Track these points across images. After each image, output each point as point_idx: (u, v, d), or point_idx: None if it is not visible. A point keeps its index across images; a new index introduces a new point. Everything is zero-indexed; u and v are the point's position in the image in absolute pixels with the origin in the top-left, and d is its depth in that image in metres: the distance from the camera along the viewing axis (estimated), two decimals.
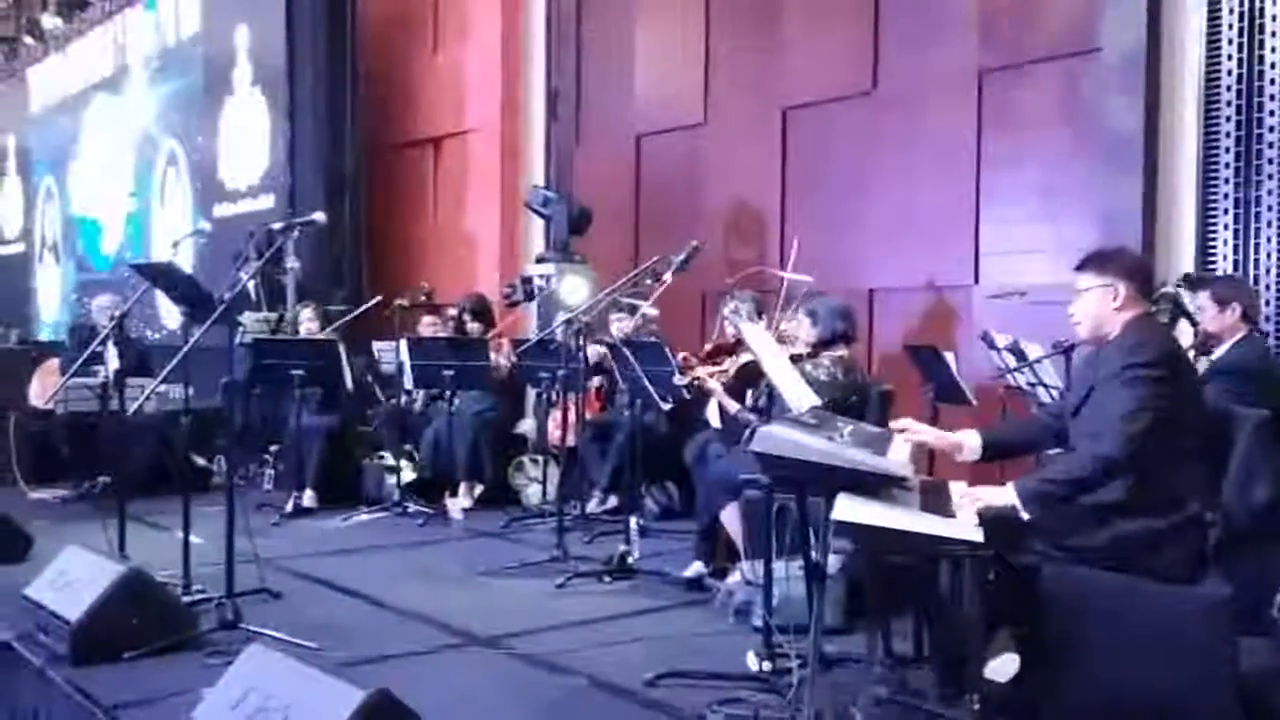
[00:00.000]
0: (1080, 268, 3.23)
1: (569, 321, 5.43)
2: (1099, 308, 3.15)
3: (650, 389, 5.25)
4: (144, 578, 3.89)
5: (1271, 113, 5.33)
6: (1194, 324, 4.74)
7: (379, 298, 7.80)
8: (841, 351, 4.74)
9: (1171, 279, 5.37)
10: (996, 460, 3.59)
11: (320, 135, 9.57)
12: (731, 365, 5.17)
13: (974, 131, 6.50)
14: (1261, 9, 5.36)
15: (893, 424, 3.40)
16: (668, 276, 5.40)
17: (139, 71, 12.83)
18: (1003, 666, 3.00)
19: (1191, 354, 4.70)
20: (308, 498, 6.80)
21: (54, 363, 7.82)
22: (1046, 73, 6.21)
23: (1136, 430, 2.89)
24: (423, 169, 10.21)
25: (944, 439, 3.44)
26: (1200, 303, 4.57)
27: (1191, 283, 4.71)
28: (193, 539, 4.43)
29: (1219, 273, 5.45)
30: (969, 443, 3.38)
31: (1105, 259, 3.21)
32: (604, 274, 7.29)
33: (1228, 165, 5.48)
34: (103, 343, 5.55)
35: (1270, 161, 5.34)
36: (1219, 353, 4.52)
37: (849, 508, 2.74)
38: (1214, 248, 5.53)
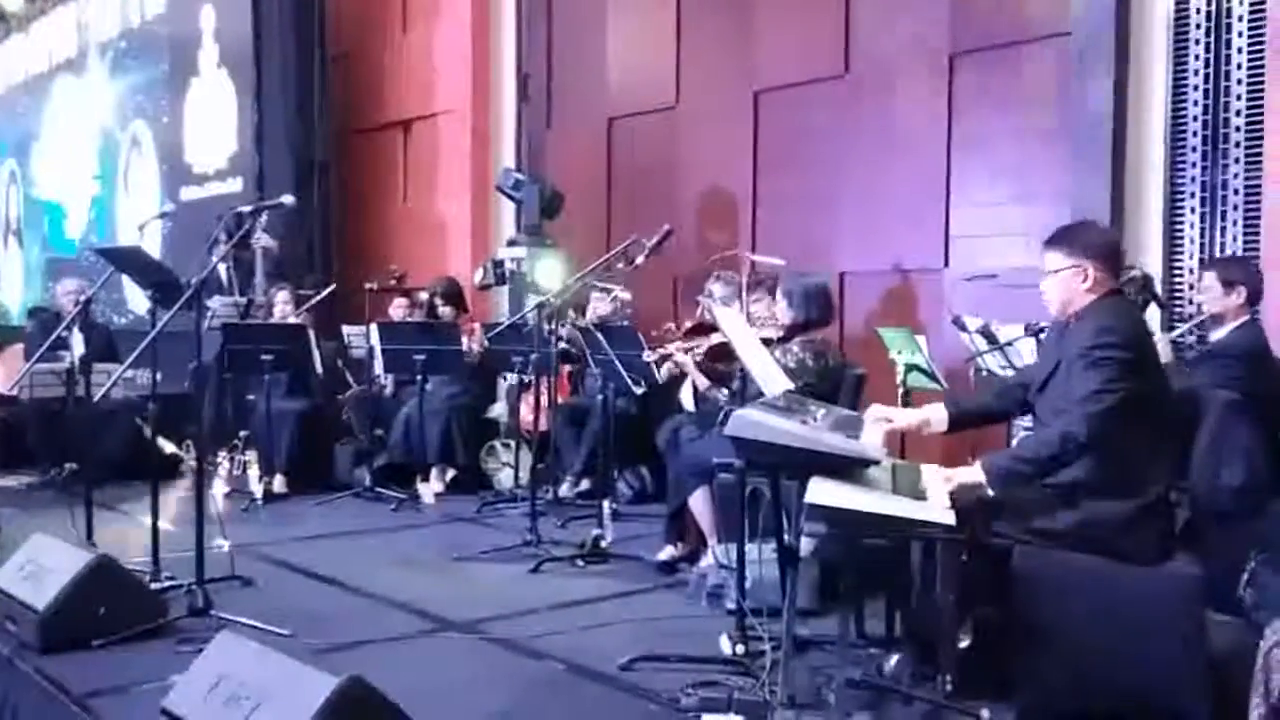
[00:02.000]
0: (1049, 245, 3.25)
1: (541, 305, 5.41)
2: (1068, 288, 3.18)
3: (622, 372, 5.24)
4: (113, 565, 3.85)
5: (1239, 97, 5.38)
6: (1162, 307, 4.78)
7: (333, 287, 7.73)
8: (814, 335, 4.74)
9: (1139, 261, 5.42)
10: (965, 429, 3.61)
11: (288, 118, 9.46)
12: (704, 344, 5.16)
13: (945, 115, 6.52)
14: None
15: (864, 414, 3.42)
16: (640, 259, 5.39)
17: (103, 53, 12.64)
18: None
19: (1189, 335, 4.71)
20: (278, 483, 6.75)
21: (18, 348, 7.72)
22: (1016, 56, 6.23)
23: (1101, 409, 2.93)
24: (393, 152, 10.12)
25: (911, 416, 3.47)
26: (1206, 283, 4.56)
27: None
28: (161, 525, 4.39)
29: (1186, 254, 5.50)
30: (935, 416, 3.42)
31: (1074, 238, 3.22)
32: (576, 257, 7.27)
33: (1195, 149, 5.52)
34: (68, 328, 5.48)
35: (1237, 145, 5.39)
36: (1219, 335, 4.52)
37: (823, 491, 2.76)
38: (1180, 230, 5.58)
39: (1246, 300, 4.47)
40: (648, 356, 5.17)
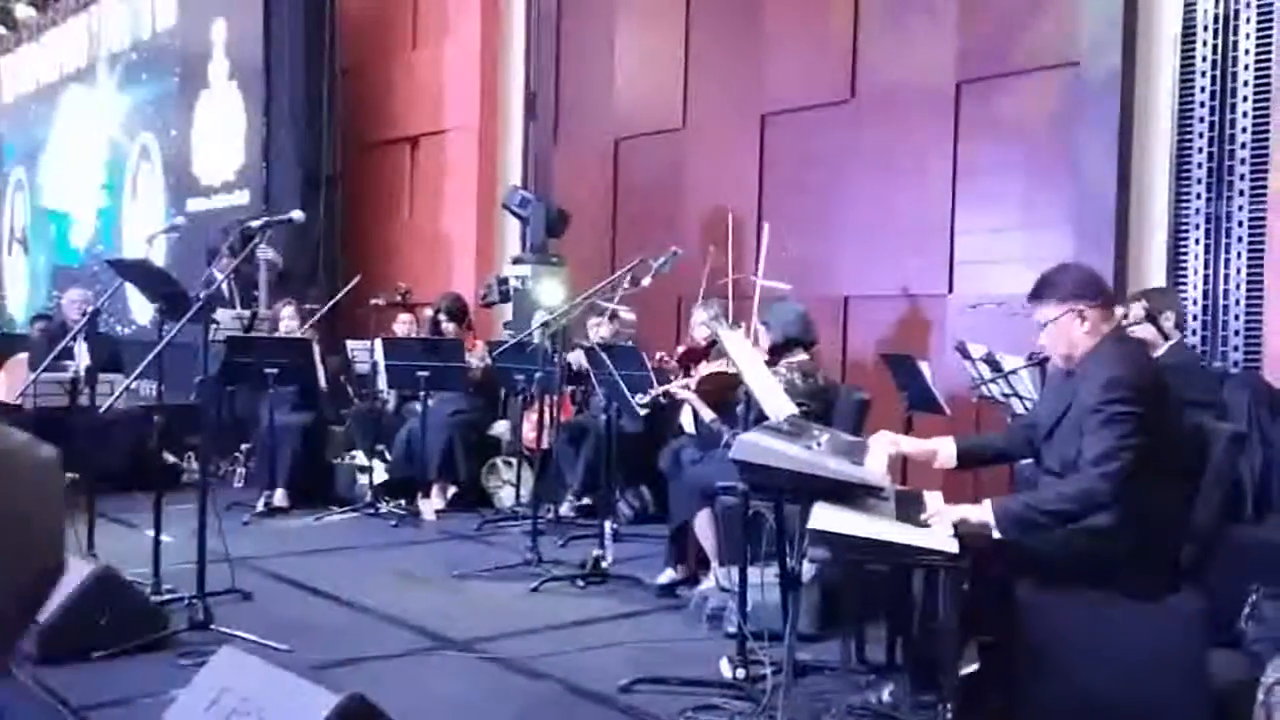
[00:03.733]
0: (1034, 300, 3.17)
1: (546, 324, 5.42)
2: (1067, 335, 3.11)
3: (627, 395, 5.24)
4: (114, 576, 3.86)
5: (1243, 129, 5.40)
6: (1165, 336, 4.79)
7: (358, 278, 7.70)
8: (800, 357, 4.76)
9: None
10: (971, 469, 3.61)
11: (297, 132, 9.51)
12: (695, 377, 5.18)
13: (951, 141, 6.54)
14: (1235, 27, 5.44)
15: (871, 439, 3.40)
16: (646, 281, 5.40)
17: (113, 64, 12.72)
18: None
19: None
20: (279, 497, 6.75)
21: (22, 357, 7.72)
22: (1023, 85, 6.27)
23: (1118, 468, 2.88)
24: (400, 167, 10.17)
25: (920, 447, 3.46)
26: (1135, 314, 4.63)
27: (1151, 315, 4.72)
28: (163, 537, 4.40)
29: (1190, 285, 5.52)
30: (944, 451, 3.40)
31: (1058, 285, 3.15)
32: (580, 276, 7.29)
33: (1199, 180, 5.55)
34: (74, 338, 5.49)
35: (1241, 177, 5.41)
36: (1157, 355, 4.58)
37: (826, 516, 2.76)
38: (1185, 261, 5.60)
39: (1175, 325, 4.70)
40: (641, 400, 5.17)
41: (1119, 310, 4.52)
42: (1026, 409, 4.90)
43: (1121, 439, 2.90)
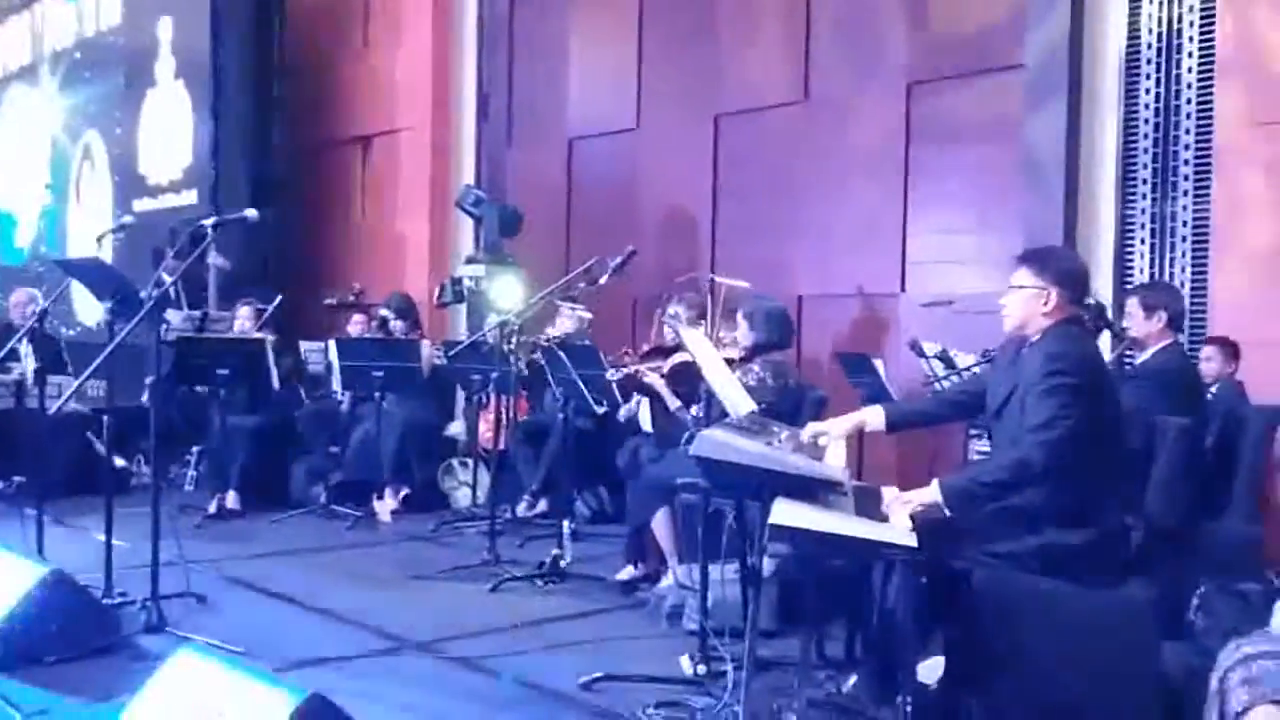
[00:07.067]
0: (1020, 261, 3.26)
1: (502, 324, 5.40)
2: (1028, 308, 3.19)
3: (585, 392, 5.24)
4: (66, 580, 3.79)
5: (1188, 130, 5.52)
6: (1115, 335, 4.87)
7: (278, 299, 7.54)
8: (774, 356, 4.79)
9: (1092, 289, 5.53)
10: (903, 430, 3.61)
11: (245, 131, 9.41)
12: (667, 364, 5.18)
13: (902, 142, 6.62)
14: (1179, 30, 5.56)
15: (802, 433, 3.38)
16: (603, 280, 5.40)
17: (57, 62, 12.49)
18: (934, 668, 3.06)
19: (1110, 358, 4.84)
20: (231, 499, 6.66)
21: None
22: (972, 86, 6.35)
23: (1053, 437, 2.95)
24: (352, 167, 10.09)
25: (846, 423, 3.45)
26: (1129, 308, 4.66)
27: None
28: (114, 541, 4.33)
29: (1136, 283, 5.62)
30: (872, 418, 3.44)
31: (1045, 260, 3.23)
32: (535, 276, 7.28)
33: (1145, 180, 5.66)
34: (20, 339, 5.39)
35: (1186, 178, 5.53)
36: (1142, 358, 4.63)
37: (786, 512, 2.78)
38: (1131, 260, 5.71)
39: (1168, 324, 4.50)
40: (612, 376, 5.16)
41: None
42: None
43: (1060, 408, 2.97)
